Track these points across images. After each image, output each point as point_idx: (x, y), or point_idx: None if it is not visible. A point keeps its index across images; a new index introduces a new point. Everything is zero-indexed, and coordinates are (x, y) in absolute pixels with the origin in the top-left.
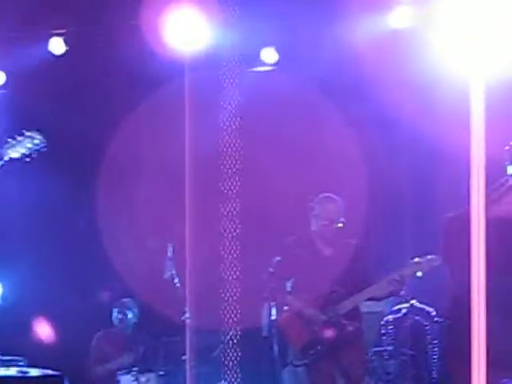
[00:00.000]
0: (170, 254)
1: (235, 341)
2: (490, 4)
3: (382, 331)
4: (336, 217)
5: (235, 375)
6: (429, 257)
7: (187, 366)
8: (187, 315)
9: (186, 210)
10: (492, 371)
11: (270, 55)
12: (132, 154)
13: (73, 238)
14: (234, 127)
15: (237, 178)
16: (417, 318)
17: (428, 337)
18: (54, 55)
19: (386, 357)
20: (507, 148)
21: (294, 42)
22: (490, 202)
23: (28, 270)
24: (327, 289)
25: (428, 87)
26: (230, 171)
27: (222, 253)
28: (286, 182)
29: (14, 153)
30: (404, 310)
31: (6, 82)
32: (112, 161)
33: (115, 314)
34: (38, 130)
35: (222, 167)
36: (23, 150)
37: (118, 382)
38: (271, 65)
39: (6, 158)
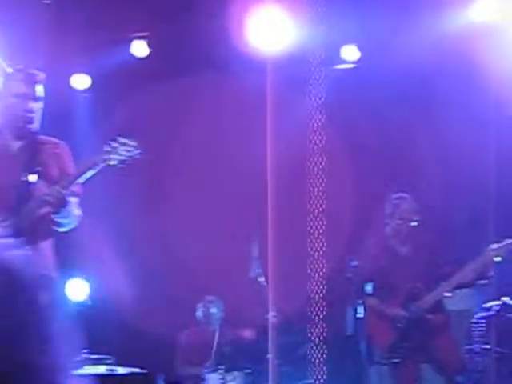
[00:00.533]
0: (255, 253)
1: (321, 339)
2: None
3: (473, 329)
4: (410, 215)
5: (321, 374)
6: (507, 241)
7: (270, 365)
8: (272, 314)
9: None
10: None
11: (350, 53)
12: (216, 153)
13: (157, 236)
14: (316, 125)
15: (323, 176)
16: (509, 315)
17: None
18: (136, 58)
19: (478, 355)
20: None
21: (375, 39)
22: None
23: (114, 270)
24: (407, 286)
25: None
26: (315, 169)
27: (309, 250)
28: (367, 181)
29: (110, 160)
30: (496, 308)
31: (91, 85)
32: (197, 160)
33: (199, 311)
34: (133, 137)
35: (307, 165)
36: (119, 157)
37: (205, 380)
38: (352, 62)
39: (102, 165)
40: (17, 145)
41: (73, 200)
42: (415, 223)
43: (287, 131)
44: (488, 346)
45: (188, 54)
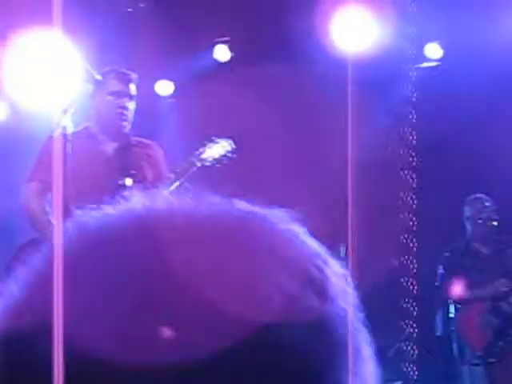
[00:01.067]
0: (342, 255)
1: (411, 340)
2: None
3: None
4: (489, 215)
5: (412, 375)
6: None
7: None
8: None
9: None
10: None
11: (434, 51)
12: (299, 154)
13: None
14: (401, 125)
15: (413, 175)
16: None
17: None
18: (219, 62)
19: None
20: None
21: (459, 36)
22: None
23: None
24: (495, 285)
25: None
26: (404, 168)
27: (399, 251)
28: (451, 180)
29: (206, 160)
30: None
31: (174, 91)
32: (281, 161)
33: None
34: (229, 137)
35: (397, 165)
36: (215, 157)
37: None
38: (436, 60)
39: (199, 165)
40: (111, 148)
41: None
42: (495, 223)
43: (369, 130)
44: None
45: (268, 57)
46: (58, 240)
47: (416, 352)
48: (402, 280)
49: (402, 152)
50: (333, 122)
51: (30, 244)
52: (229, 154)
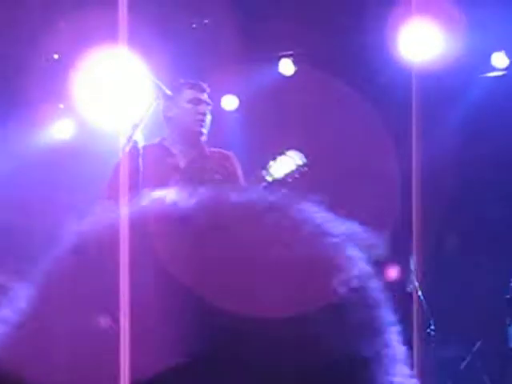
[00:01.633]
0: (412, 266)
1: (482, 353)
2: None
3: None
4: None
5: None
6: None
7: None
8: (432, 327)
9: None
10: None
11: (500, 60)
12: (365, 167)
13: None
14: (467, 134)
15: (480, 186)
16: None
17: None
18: (284, 76)
19: None
20: None
21: None
22: None
23: None
24: None
25: None
26: (472, 179)
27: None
28: None
29: (277, 174)
30: None
31: (239, 105)
32: (347, 174)
33: None
34: (298, 150)
35: (461, 175)
36: (286, 171)
37: None
38: (502, 69)
39: (269, 180)
40: (185, 160)
41: None
42: None
43: (435, 141)
44: None
45: (333, 70)
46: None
47: (488, 364)
48: (473, 291)
49: (467, 162)
50: (399, 133)
51: None
52: (301, 169)
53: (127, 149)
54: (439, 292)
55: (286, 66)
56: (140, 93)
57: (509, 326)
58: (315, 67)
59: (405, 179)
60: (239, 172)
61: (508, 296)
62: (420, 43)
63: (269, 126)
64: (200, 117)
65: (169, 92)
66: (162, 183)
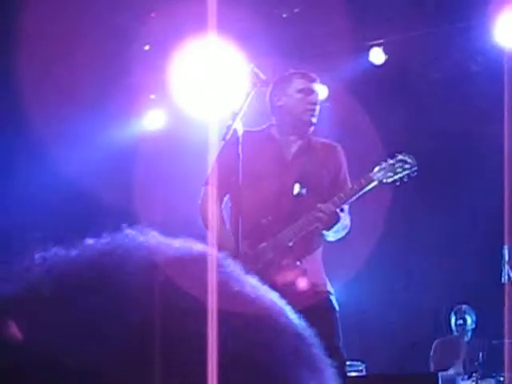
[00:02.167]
0: (506, 257)
1: None
2: None
3: None
4: None
5: None
6: None
7: None
8: None
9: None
10: None
11: None
12: (456, 159)
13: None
14: None
15: None
16: None
17: None
18: (375, 65)
19: None
20: None
21: None
22: None
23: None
24: None
25: None
26: None
27: None
28: None
29: (385, 177)
30: None
31: (329, 95)
32: (435, 166)
33: (454, 320)
34: (410, 153)
35: None
36: (394, 174)
37: None
38: None
39: (375, 183)
40: (290, 151)
41: (345, 208)
42: None
43: None
44: None
45: (424, 58)
46: (212, 246)
47: None
48: None
49: None
50: (491, 123)
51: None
52: (410, 172)
53: (227, 137)
54: None
55: (377, 55)
56: (237, 81)
57: None
58: (406, 56)
59: (496, 169)
60: (345, 166)
61: None
62: None
63: (359, 115)
64: (311, 106)
65: (263, 76)
66: (264, 172)
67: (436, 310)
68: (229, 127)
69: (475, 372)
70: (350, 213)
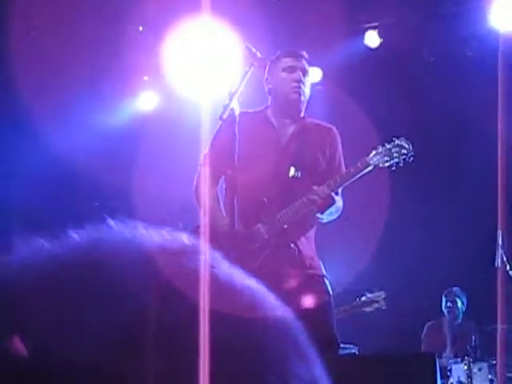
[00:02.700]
0: (500, 241)
1: None
2: None
3: None
4: None
5: None
6: None
7: None
8: None
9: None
10: None
11: None
12: (450, 142)
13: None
14: None
15: None
16: None
17: None
18: (369, 48)
19: None
20: None
21: None
22: None
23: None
24: None
25: None
26: None
27: None
28: None
29: (382, 161)
30: None
31: (323, 77)
32: (430, 150)
33: (444, 302)
34: (406, 138)
35: None
36: (391, 159)
37: (450, 370)
38: None
39: (370, 168)
40: (286, 134)
41: (339, 191)
42: None
43: None
44: None
45: (420, 41)
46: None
47: None
48: None
49: None
50: (486, 109)
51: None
52: (406, 157)
53: (224, 117)
54: None
55: (372, 38)
56: (232, 61)
57: None
58: (401, 39)
59: (490, 155)
60: (340, 149)
61: None
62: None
63: (353, 98)
64: (295, 84)
65: (259, 55)
66: (260, 154)
67: (430, 294)
68: (226, 107)
69: (467, 355)
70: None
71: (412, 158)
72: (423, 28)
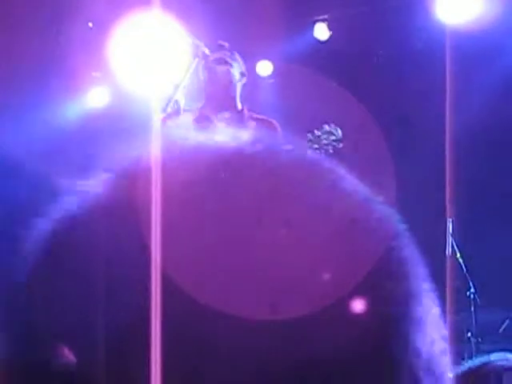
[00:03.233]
0: (450, 230)
1: None
2: None
3: None
4: None
5: None
6: None
7: (472, 343)
8: (472, 291)
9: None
10: None
11: None
12: (399, 133)
13: None
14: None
15: None
16: None
17: None
18: (319, 41)
19: None
20: None
21: None
22: None
23: None
24: None
25: None
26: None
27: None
28: None
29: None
30: None
31: (273, 71)
32: (383, 141)
33: None
34: (338, 125)
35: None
36: (321, 146)
37: None
38: None
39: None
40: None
41: None
42: None
43: (470, 105)
44: None
45: (368, 34)
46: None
47: None
48: None
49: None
50: (434, 101)
51: None
52: (335, 144)
53: (169, 109)
54: (479, 255)
55: (321, 31)
56: (179, 54)
57: None
58: (350, 32)
59: (437, 146)
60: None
61: None
62: (457, 6)
63: (303, 91)
64: (219, 75)
65: (207, 51)
66: None
67: None
68: (169, 99)
69: None
70: None
71: (341, 145)
72: (371, 21)
